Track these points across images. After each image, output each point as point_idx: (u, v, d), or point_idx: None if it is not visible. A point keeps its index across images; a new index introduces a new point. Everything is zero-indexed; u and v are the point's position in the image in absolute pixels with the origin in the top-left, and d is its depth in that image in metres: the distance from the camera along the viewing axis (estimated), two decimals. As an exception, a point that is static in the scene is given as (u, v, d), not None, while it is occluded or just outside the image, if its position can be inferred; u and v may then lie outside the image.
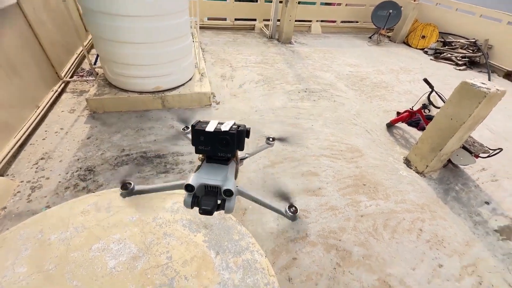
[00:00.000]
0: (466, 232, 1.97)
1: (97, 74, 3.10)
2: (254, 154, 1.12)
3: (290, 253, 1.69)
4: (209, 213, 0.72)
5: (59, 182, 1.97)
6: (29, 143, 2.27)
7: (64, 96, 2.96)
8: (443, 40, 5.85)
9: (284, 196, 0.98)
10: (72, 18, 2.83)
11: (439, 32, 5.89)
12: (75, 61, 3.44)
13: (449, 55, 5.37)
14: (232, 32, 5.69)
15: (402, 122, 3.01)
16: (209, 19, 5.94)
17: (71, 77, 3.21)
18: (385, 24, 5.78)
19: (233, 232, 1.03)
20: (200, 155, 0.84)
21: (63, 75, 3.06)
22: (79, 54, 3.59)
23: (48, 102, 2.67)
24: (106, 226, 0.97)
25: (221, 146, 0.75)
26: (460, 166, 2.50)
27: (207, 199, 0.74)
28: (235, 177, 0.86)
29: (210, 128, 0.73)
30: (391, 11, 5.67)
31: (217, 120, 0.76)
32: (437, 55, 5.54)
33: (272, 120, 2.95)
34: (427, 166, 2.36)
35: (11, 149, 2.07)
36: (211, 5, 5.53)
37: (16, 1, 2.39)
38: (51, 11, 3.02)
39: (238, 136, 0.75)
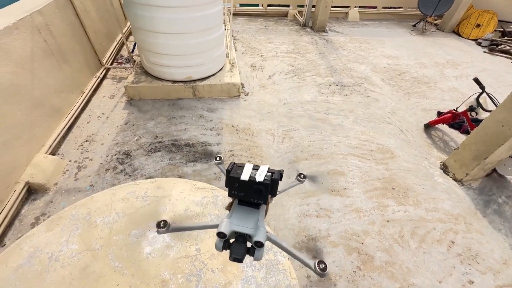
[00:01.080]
0: (505, 250, 1.82)
1: (135, 61, 3.26)
2: (283, 191, 1.07)
3: (311, 251, 1.70)
4: (239, 261, 0.73)
5: (101, 163, 2.16)
6: (75, 126, 2.51)
7: (105, 82, 3.17)
8: (502, 30, 5.15)
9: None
10: (113, 6, 2.97)
11: (498, 21, 5.19)
12: (115, 48, 3.64)
13: (508, 47, 4.74)
14: (264, 19, 5.55)
15: (443, 124, 2.78)
16: (241, 5, 5.84)
17: (112, 64, 3.42)
18: (433, 10, 5.22)
19: None
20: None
21: (104, 62, 3.27)
22: (118, 42, 3.78)
23: (91, 88, 2.88)
24: (143, 214, 1.05)
25: (254, 194, 0.75)
26: (508, 177, 2.27)
27: (238, 247, 0.72)
28: (265, 215, 0.86)
29: (244, 176, 0.72)
30: (442, -4, 5.09)
31: (251, 165, 0.76)
32: (493, 47, 4.91)
33: (300, 114, 2.90)
34: (467, 174, 2.18)
35: (61, 131, 2.30)
36: None
37: (66, -8, 2.56)
38: (94, 1, 3.19)
39: (272, 184, 0.76)
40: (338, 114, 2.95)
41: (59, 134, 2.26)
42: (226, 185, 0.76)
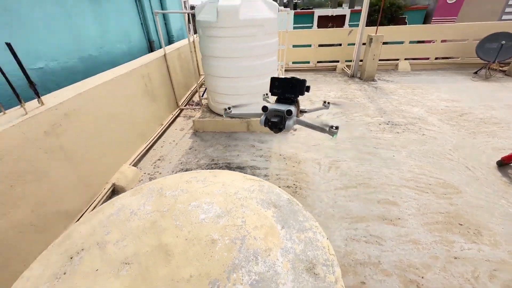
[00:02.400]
0: None
1: (203, 104, 3.97)
2: (311, 111, 1.41)
3: (358, 276, 1.57)
4: (276, 125, 1.09)
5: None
6: (153, 148, 3.08)
7: (178, 119, 3.89)
8: None
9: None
10: (192, 65, 3.86)
11: None
12: (189, 95, 4.52)
13: None
14: (314, 73, 6.15)
15: (522, 161, 2.42)
16: (293, 62, 6.69)
17: (185, 106, 4.22)
18: (496, 57, 5.00)
19: (299, 214, 1.13)
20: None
21: (180, 104, 4.07)
22: (192, 90, 4.70)
23: (168, 122, 3.58)
24: (201, 192, 1.26)
25: (288, 89, 1.11)
26: None
27: (275, 117, 1.13)
28: (297, 117, 1.20)
29: (281, 76, 1.15)
30: (503, 42, 4.91)
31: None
32: None
33: (347, 148, 2.94)
34: None
35: (142, 150, 2.86)
36: (297, 52, 6.26)
37: (164, 53, 3.51)
38: (180, 60, 4.21)
39: (301, 83, 1.15)
40: (389, 149, 2.87)
41: (141, 152, 2.81)
42: (270, 90, 1.19)
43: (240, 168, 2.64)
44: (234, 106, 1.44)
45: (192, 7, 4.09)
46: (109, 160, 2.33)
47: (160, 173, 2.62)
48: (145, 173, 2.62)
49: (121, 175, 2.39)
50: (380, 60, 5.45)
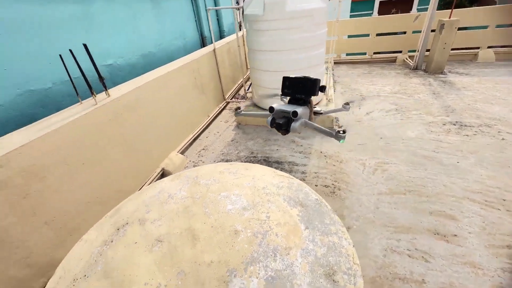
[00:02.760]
0: None
1: (247, 98, 4.05)
2: (328, 113, 1.29)
3: (396, 291, 1.42)
4: (280, 127, 1.04)
5: (209, 166, 2.72)
6: (199, 138, 3.31)
7: (224, 111, 4.07)
8: None
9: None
10: (240, 60, 3.95)
11: None
12: (235, 89, 4.67)
13: None
14: (368, 66, 5.64)
15: None
16: (347, 55, 6.24)
17: (231, 99, 4.38)
18: None
19: (326, 217, 1.07)
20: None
21: (226, 97, 4.25)
22: (238, 84, 4.84)
23: (214, 114, 3.78)
24: (231, 184, 1.30)
25: (299, 89, 1.08)
26: None
27: (281, 119, 1.08)
28: (310, 119, 1.12)
29: (292, 75, 1.04)
30: None
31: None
32: None
33: (399, 149, 2.63)
34: None
35: (189, 139, 3.10)
36: (351, 42, 5.81)
37: (213, 48, 3.69)
38: (229, 54, 4.36)
39: (312, 83, 1.05)
40: (453, 154, 2.47)
41: (188, 141, 3.06)
42: (281, 90, 1.16)
43: (278, 163, 2.63)
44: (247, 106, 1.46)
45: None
46: (160, 147, 2.59)
47: (203, 162, 2.80)
48: (190, 161, 2.85)
49: (169, 161, 2.65)
50: (453, 49, 4.66)
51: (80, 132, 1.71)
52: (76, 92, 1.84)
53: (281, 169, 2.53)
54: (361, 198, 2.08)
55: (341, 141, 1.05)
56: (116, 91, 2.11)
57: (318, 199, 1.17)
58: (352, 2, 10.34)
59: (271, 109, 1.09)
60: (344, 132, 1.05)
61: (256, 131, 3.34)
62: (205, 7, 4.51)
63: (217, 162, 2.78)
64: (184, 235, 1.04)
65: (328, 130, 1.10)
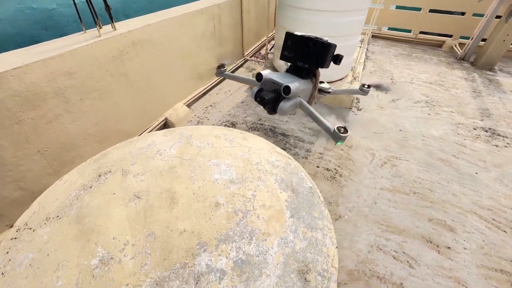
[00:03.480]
0: None
1: (268, 59, 3.74)
2: (339, 94, 1.05)
3: (370, 288, 1.41)
4: (265, 103, 0.78)
5: (212, 124, 2.62)
6: (208, 93, 3.15)
7: (240, 69, 3.81)
8: None
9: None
10: (268, 13, 3.53)
11: None
12: (257, 46, 4.31)
13: None
14: (409, 46, 5.01)
15: None
16: (389, 29, 5.53)
17: (250, 57, 4.07)
18: None
19: (315, 209, 0.99)
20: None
21: (245, 54, 3.94)
22: (261, 42, 4.45)
23: (229, 70, 3.54)
24: (225, 152, 1.21)
25: (302, 54, 0.78)
26: None
27: (268, 93, 0.79)
28: (310, 102, 0.86)
29: (298, 33, 0.78)
30: None
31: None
32: None
33: (416, 146, 2.43)
34: None
35: (198, 93, 2.96)
36: (397, 14, 5.08)
37: (240, -5, 3.28)
38: (256, 5, 3.90)
39: (323, 47, 0.73)
40: (474, 163, 2.26)
41: (196, 94, 2.92)
42: (281, 53, 0.87)
43: (283, 135, 2.51)
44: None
45: None
46: (166, 94, 2.48)
47: (208, 119, 2.70)
48: (195, 115, 2.75)
49: (174, 111, 2.56)
50: (514, 43, 4.00)
51: (80, 64, 1.60)
52: (80, 19, 1.67)
53: (286, 142, 2.42)
54: (361, 189, 1.98)
55: (339, 142, 0.80)
56: (123, 26, 1.92)
57: (312, 188, 1.08)
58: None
59: (259, 76, 0.83)
60: (345, 131, 0.79)
61: (269, 97, 3.14)
62: None
63: (223, 122, 2.67)
64: (163, 196, 0.99)
65: (326, 124, 0.83)
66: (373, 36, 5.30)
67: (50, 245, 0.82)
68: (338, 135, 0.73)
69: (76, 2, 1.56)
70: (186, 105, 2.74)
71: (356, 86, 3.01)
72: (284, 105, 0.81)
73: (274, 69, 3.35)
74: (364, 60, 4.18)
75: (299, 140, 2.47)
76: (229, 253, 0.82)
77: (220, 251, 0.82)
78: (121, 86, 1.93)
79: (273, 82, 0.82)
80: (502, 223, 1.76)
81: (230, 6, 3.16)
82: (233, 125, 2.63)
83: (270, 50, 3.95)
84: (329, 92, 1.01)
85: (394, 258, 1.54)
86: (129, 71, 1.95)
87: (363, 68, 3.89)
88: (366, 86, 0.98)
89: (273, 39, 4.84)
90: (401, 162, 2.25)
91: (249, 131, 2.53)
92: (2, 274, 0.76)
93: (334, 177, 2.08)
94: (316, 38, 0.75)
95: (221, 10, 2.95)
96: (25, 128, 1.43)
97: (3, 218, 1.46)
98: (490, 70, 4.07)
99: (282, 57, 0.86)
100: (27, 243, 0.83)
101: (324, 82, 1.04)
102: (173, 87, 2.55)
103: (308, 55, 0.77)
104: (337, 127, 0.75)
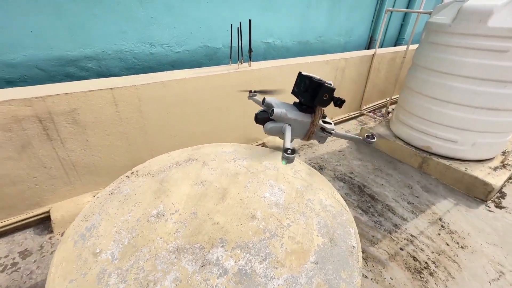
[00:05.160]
0: None
1: (386, 117, 3.48)
2: (340, 137, 1.07)
3: None
4: (256, 119, 1.00)
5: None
6: (310, 134, 3.29)
7: (352, 121, 3.74)
8: None
9: None
10: (400, 73, 3.35)
11: None
12: (379, 104, 4.10)
13: None
14: None
15: None
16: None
17: (368, 112, 3.92)
18: None
19: (346, 270, 0.83)
20: None
21: (363, 108, 3.84)
22: (386, 100, 4.20)
23: (339, 119, 3.56)
24: (286, 179, 1.27)
25: (302, 90, 0.92)
26: None
27: (263, 113, 1.00)
28: (309, 137, 1.00)
29: (305, 73, 0.91)
30: None
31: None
32: None
33: None
34: None
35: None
36: None
37: (373, 53, 3.35)
38: (390, 65, 3.79)
39: (315, 86, 0.85)
40: None
41: (298, 131, 3.12)
42: (293, 87, 1.00)
43: (372, 198, 2.20)
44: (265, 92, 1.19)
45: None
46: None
47: (299, 156, 2.81)
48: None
49: (272, 139, 2.85)
50: None
51: (220, 83, 2.19)
52: (230, 56, 2.31)
53: (371, 206, 2.11)
54: (458, 307, 1.41)
55: (283, 161, 0.71)
56: (257, 65, 2.45)
57: (355, 248, 0.93)
58: None
59: (263, 100, 1.03)
60: (292, 152, 0.69)
61: (373, 155, 2.88)
62: (394, 7, 4.03)
63: (312, 162, 2.69)
64: (219, 191, 1.17)
65: (286, 145, 0.79)
66: None
67: (139, 189, 1.16)
68: (285, 156, 0.75)
69: (232, 45, 2.20)
70: (285, 138, 2.99)
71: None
72: (268, 124, 0.98)
73: (387, 127, 3.06)
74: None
75: (389, 210, 2.09)
76: (239, 260, 0.86)
77: (233, 253, 0.88)
78: (239, 106, 2.42)
79: (269, 105, 0.99)
80: None
81: (359, 61, 3.27)
82: (321, 169, 2.59)
83: (392, 109, 3.65)
84: (331, 133, 0.99)
85: None
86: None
87: (527, 158, 2.83)
88: (371, 137, 0.91)
89: (395, 102, 4.45)
90: (556, 308, 1.42)
91: (334, 180, 2.42)
92: (111, 193, 1.15)
93: (421, 272, 1.60)
94: (311, 77, 0.84)
95: (347, 63, 3.12)
96: (171, 120, 2.08)
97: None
98: None
99: (293, 92, 1.03)
100: (131, 182, 1.21)
101: (331, 124, 1.02)
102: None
103: (305, 91, 0.85)
104: (285, 150, 0.75)
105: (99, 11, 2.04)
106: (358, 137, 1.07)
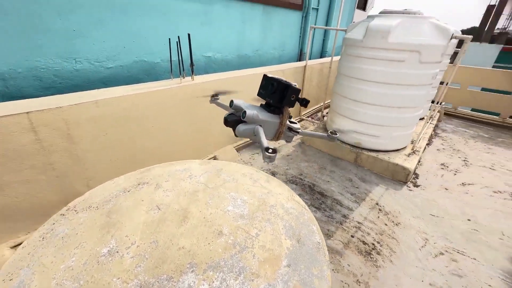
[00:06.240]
0: None
1: (322, 120, 3.89)
2: (306, 135, 1.12)
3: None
4: (226, 122, 1.01)
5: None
6: (257, 142, 3.40)
7: (294, 126, 4.04)
8: None
9: None
10: (327, 83, 3.83)
11: None
12: (315, 109, 4.55)
13: None
14: (495, 130, 4.40)
15: None
16: (473, 109, 5.07)
17: (307, 117, 4.31)
18: None
19: (316, 266, 0.89)
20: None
21: (301, 114, 4.20)
22: (320, 106, 4.70)
23: (283, 126, 3.80)
24: (245, 189, 1.28)
25: (269, 92, 0.95)
26: None
27: (233, 116, 1.00)
28: (278, 137, 1.03)
29: (270, 75, 0.96)
30: None
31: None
32: None
33: (490, 245, 1.94)
34: None
35: (249, 141, 3.23)
36: (476, 95, 4.70)
37: (305, 64, 3.73)
38: (321, 75, 4.29)
39: (284, 88, 0.90)
40: None
41: (247, 141, 3.19)
42: (259, 89, 1.04)
43: (321, 195, 2.40)
44: (222, 94, 1.27)
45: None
46: (221, 138, 2.82)
47: (252, 165, 2.86)
48: (241, 159, 2.96)
49: (223, 151, 2.84)
50: None
51: (162, 99, 2.07)
52: (171, 70, 2.23)
53: (322, 203, 2.30)
54: (401, 277, 1.65)
55: (266, 161, 0.79)
56: (201, 78, 2.43)
57: (320, 244, 1.00)
58: (502, 51, 8.33)
59: (231, 102, 1.01)
60: (273, 151, 0.75)
61: (316, 155, 3.16)
62: (314, 24, 4.62)
63: (264, 169, 2.78)
64: (178, 213, 1.09)
65: (264, 144, 0.83)
66: (446, 114, 4.92)
67: (81, 227, 0.99)
68: (267, 156, 0.77)
69: (172, 59, 2.13)
70: (236, 149, 3.01)
71: (429, 163, 2.76)
72: (240, 127, 0.98)
73: (325, 129, 3.43)
74: (431, 136, 3.85)
75: (337, 203, 2.32)
76: (213, 281, 0.82)
77: (205, 276, 0.83)
78: (186, 121, 2.33)
79: (239, 108, 0.99)
80: None
81: (295, 72, 3.59)
82: (273, 174, 2.70)
83: (326, 113, 4.11)
84: (298, 132, 1.09)
85: None
86: (195, 111, 2.37)
87: (427, 144, 3.57)
88: (333, 133, 1.04)
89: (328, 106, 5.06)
90: (465, 258, 1.81)
91: (287, 183, 2.54)
92: (43, 238, 0.95)
93: (370, 254, 1.81)
94: (279, 79, 0.91)
95: (285, 75, 3.39)
96: (110, 143, 1.86)
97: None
98: None
99: (259, 94, 1.07)
100: (68, 221, 1.03)
101: (296, 123, 1.12)
102: (229, 131, 2.89)
103: (273, 92, 0.90)
104: (266, 148, 0.78)
105: (3, 22, 1.70)
106: (323, 134, 1.13)
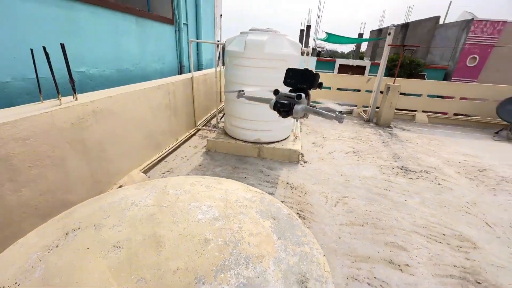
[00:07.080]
0: None
1: (218, 127, 4.12)
2: (319, 110, 1.22)
3: (357, 320, 1.41)
4: (284, 106, 1.15)
5: (172, 188, 2.56)
6: (164, 160, 3.16)
7: (194, 137, 4.03)
8: None
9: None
10: (216, 91, 4.13)
11: None
12: (207, 118, 4.74)
13: None
14: (330, 113, 6.30)
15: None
16: (313, 102, 6.93)
17: (202, 126, 4.40)
18: (518, 119, 4.94)
19: (297, 229, 1.09)
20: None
21: (197, 124, 4.26)
22: (211, 114, 4.94)
23: (183, 139, 3.71)
24: (203, 195, 1.27)
25: (302, 80, 1.19)
26: None
27: (284, 101, 1.18)
28: (305, 115, 1.26)
29: (292, 67, 1.25)
30: (526, 105, 4.89)
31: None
32: None
33: (357, 186, 2.86)
34: None
35: (155, 160, 2.95)
36: (316, 92, 6.53)
37: (191, 76, 3.82)
38: (205, 85, 4.52)
39: (313, 75, 1.20)
40: (402, 193, 2.76)
41: (153, 161, 2.90)
42: (284, 80, 1.25)
43: (245, 190, 2.61)
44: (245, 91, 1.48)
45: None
46: (122, 162, 2.41)
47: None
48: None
49: (129, 179, 2.45)
50: (397, 109, 5.56)
51: (36, 130, 1.54)
52: (40, 91, 1.70)
53: (248, 196, 2.51)
54: (324, 228, 2.14)
55: (341, 121, 1.12)
56: (85, 97, 2.00)
57: (289, 214, 1.20)
58: (317, 62, 11.96)
59: (276, 91, 1.20)
60: (342, 113, 1.08)
61: (225, 158, 3.34)
62: (187, 39, 4.78)
63: (182, 185, 2.65)
64: (147, 242, 0.95)
65: (328, 112, 1.16)
66: (301, 108, 6.53)
67: (9, 316, 0.67)
68: (340, 116, 1.09)
69: (36, 76, 1.63)
70: (143, 172, 2.67)
71: (305, 145, 3.53)
72: (297, 108, 1.17)
73: (226, 134, 3.69)
74: (300, 125, 5.01)
75: (260, 192, 2.61)
76: (230, 280, 0.82)
77: (220, 280, 0.81)
78: (76, 153, 1.85)
79: (286, 95, 1.22)
80: (436, 236, 2.11)
81: (183, 85, 3.60)
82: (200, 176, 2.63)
83: (221, 119, 4.39)
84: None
85: (369, 285, 1.63)
86: (87, 138, 1.92)
87: (300, 130, 4.63)
88: (341, 113, 1.17)
89: (221, 111, 5.43)
90: (349, 200, 2.58)
91: (211, 190, 2.56)
92: None
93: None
94: (307, 69, 1.21)
95: (175, 87, 3.34)
96: (-50, 202, 1.20)
97: None
98: (389, 127, 5.38)
99: (286, 83, 1.29)
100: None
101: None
102: (129, 154, 2.52)
103: (305, 80, 1.14)
104: (337, 112, 1.09)
105: None
106: (332, 114, 1.16)
